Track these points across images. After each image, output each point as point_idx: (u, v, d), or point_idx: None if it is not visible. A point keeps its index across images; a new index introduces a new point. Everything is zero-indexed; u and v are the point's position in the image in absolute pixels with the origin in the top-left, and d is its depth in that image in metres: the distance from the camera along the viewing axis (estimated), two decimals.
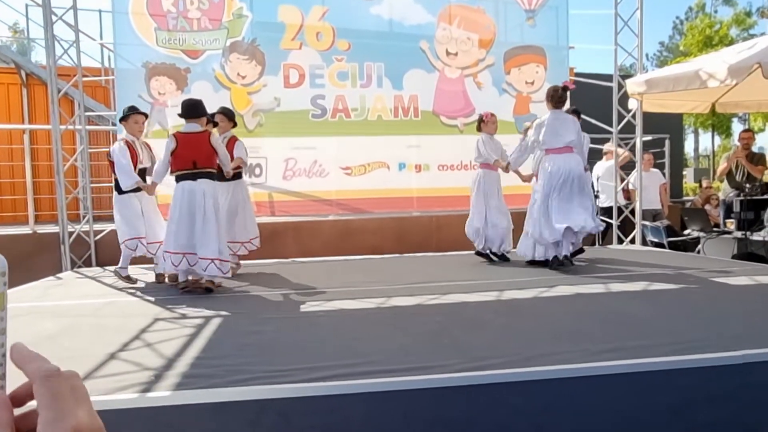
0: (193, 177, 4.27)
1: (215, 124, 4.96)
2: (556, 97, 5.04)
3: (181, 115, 4.43)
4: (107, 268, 5.67)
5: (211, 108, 6.26)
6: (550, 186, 4.95)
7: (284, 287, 4.48)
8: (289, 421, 2.14)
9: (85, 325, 3.38)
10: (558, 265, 4.93)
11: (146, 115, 5.00)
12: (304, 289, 4.37)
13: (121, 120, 4.87)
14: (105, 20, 7.26)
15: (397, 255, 6.39)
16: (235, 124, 5.23)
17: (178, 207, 4.24)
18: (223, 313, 3.62)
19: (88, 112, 6.49)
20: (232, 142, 5.07)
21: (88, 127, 6.29)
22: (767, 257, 5.69)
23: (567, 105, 5.50)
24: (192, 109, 4.39)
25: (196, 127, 4.37)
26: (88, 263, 6.05)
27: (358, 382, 2.23)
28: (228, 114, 5.15)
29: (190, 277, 4.36)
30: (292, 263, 5.94)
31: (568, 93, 5.15)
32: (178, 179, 4.32)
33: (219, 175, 4.60)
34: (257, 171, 6.57)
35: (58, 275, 5.42)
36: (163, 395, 2.15)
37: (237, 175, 5.11)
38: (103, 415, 1.59)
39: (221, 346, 2.82)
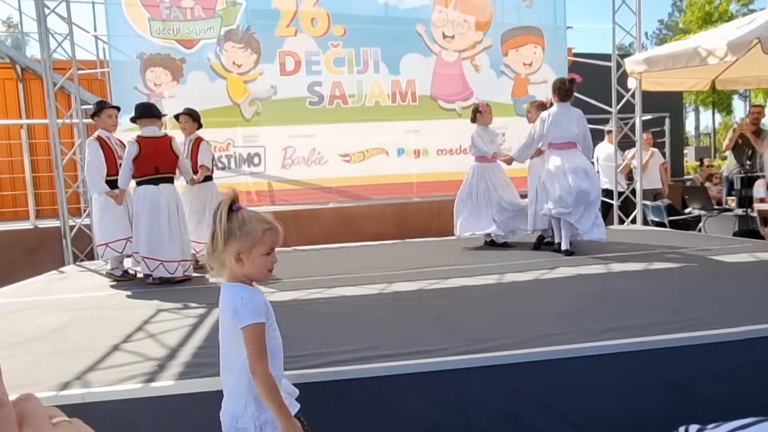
0: (155, 182, 4.31)
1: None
2: (563, 90, 4.84)
3: (135, 118, 4.42)
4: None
5: (207, 97, 6.28)
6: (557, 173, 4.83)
7: (285, 275, 4.49)
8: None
9: (88, 317, 3.41)
10: (560, 250, 4.89)
11: (118, 108, 4.89)
12: (305, 277, 4.38)
13: (93, 116, 4.74)
14: (98, 12, 7.18)
15: (397, 241, 6.40)
16: (200, 126, 5.13)
17: (143, 212, 4.30)
18: None
19: (84, 105, 6.45)
20: (197, 144, 4.98)
21: (85, 120, 6.25)
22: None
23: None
24: (147, 110, 4.40)
25: (155, 130, 4.40)
26: (90, 257, 6.06)
27: (360, 367, 2.25)
28: (193, 115, 5.06)
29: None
30: (293, 251, 5.95)
31: (575, 86, 4.93)
32: (140, 184, 4.34)
33: None
34: (256, 160, 6.55)
35: (60, 269, 5.44)
36: (167, 384, 2.17)
37: (206, 177, 5.02)
38: (109, 406, 1.61)
39: None
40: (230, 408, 1.62)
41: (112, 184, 4.59)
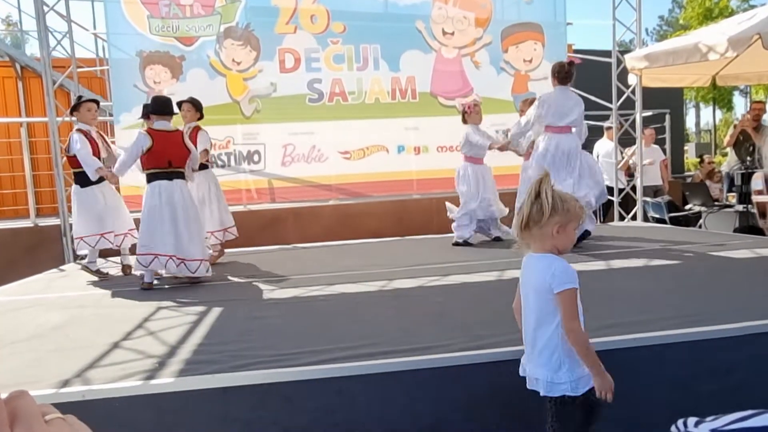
0: (169, 177, 4.21)
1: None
2: (562, 73, 4.84)
3: (151, 112, 4.36)
4: (110, 259, 5.69)
5: (207, 95, 6.26)
6: (545, 162, 4.80)
7: (285, 273, 4.49)
8: (293, 404, 2.16)
9: (89, 315, 3.41)
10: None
11: (98, 102, 4.86)
12: (305, 274, 4.38)
13: (72, 110, 4.72)
14: (97, 10, 7.17)
15: (397, 238, 6.39)
16: (201, 116, 5.10)
17: (159, 209, 4.14)
18: (225, 299, 3.64)
19: None
20: (195, 132, 4.93)
21: None
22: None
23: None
24: (165, 106, 4.33)
25: (167, 125, 4.31)
26: None
27: (361, 363, 2.25)
28: (196, 104, 5.03)
29: (164, 273, 4.31)
30: (293, 249, 5.95)
31: (574, 69, 4.93)
32: (152, 178, 4.22)
33: None
34: (256, 158, 6.55)
35: (60, 267, 5.44)
36: (167, 382, 2.17)
37: (202, 166, 4.96)
38: (109, 403, 1.60)
39: (224, 333, 2.84)
40: (544, 365, 1.75)
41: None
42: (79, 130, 4.58)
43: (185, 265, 4.16)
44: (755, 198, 5.75)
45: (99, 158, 4.60)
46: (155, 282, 4.25)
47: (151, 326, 3.04)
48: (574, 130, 4.92)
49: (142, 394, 2.12)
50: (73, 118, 4.93)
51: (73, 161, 4.57)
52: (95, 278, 4.66)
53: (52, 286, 4.54)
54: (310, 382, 2.19)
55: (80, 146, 4.47)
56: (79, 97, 4.76)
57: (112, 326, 3.04)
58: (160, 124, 4.30)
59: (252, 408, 2.14)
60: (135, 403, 2.10)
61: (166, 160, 4.22)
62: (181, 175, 4.33)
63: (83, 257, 4.92)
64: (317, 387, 2.18)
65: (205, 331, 2.88)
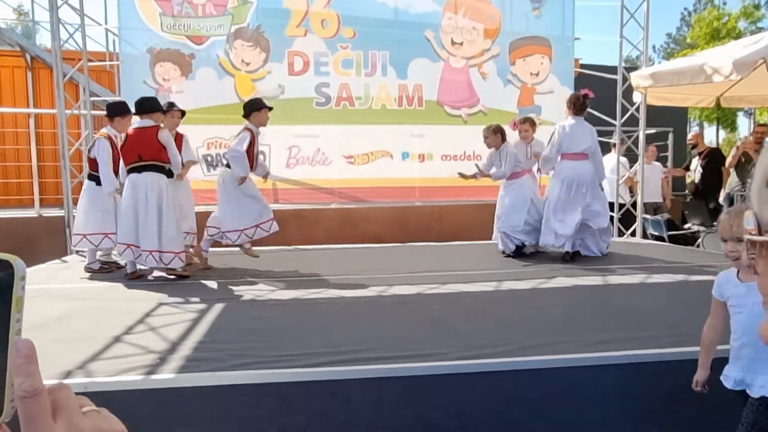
0: (139, 170, 4.33)
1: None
2: (578, 104, 5.16)
3: (139, 112, 4.43)
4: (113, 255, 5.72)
5: (215, 94, 6.33)
6: (560, 191, 5.09)
7: (286, 274, 4.53)
8: (290, 404, 2.20)
9: (91, 307, 3.45)
10: (568, 259, 5.06)
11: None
12: (306, 277, 4.42)
13: (115, 115, 4.64)
14: (110, 4, 7.24)
15: (398, 244, 6.43)
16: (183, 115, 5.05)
17: (125, 199, 4.35)
18: (226, 298, 3.67)
19: (93, 96, 6.50)
20: (179, 139, 4.88)
21: (93, 112, 6.30)
22: None
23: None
24: (144, 105, 4.41)
25: (147, 122, 4.39)
26: None
27: (358, 368, 2.29)
28: (183, 113, 4.99)
29: (139, 267, 4.46)
30: (294, 250, 5.99)
31: (588, 101, 5.25)
32: (128, 172, 4.41)
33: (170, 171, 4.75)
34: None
35: (63, 258, 5.47)
36: (166, 377, 2.21)
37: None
38: (108, 396, 1.66)
39: (224, 331, 2.88)
40: None
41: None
42: (108, 138, 4.60)
43: (131, 250, 4.32)
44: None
45: (117, 165, 4.64)
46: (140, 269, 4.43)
47: (152, 321, 3.09)
48: (590, 158, 5.17)
49: (141, 388, 2.16)
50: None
51: (95, 164, 4.64)
52: (104, 273, 4.69)
53: (55, 276, 4.58)
54: (307, 383, 2.23)
55: (105, 160, 4.52)
56: (127, 108, 4.70)
57: (114, 319, 3.08)
58: (141, 122, 4.40)
59: (250, 407, 2.18)
60: (134, 396, 2.14)
61: (136, 153, 4.34)
62: (155, 168, 4.36)
63: (81, 252, 4.94)
64: (314, 388, 2.22)
65: (205, 329, 2.92)
